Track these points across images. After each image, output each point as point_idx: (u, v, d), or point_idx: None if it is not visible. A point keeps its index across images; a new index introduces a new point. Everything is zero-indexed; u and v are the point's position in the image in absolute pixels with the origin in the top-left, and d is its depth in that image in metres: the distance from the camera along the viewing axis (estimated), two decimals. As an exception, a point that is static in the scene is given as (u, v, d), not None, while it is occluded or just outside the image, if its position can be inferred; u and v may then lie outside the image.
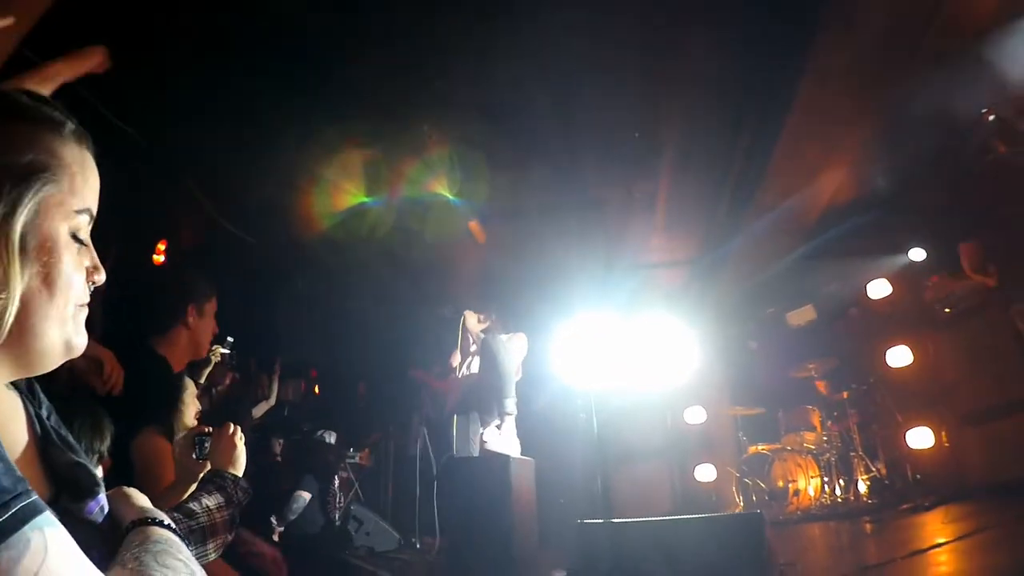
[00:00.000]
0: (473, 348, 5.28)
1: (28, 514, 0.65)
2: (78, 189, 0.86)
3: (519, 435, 4.83)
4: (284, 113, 4.48)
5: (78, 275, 0.86)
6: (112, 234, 4.50)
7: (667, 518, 3.50)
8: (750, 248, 6.47)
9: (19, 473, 0.68)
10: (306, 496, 5.78)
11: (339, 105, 4.28)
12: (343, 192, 4.75)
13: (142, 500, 0.99)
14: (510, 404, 4.57)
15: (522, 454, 4.58)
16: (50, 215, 0.81)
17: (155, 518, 0.93)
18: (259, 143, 4.81)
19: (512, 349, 4.78)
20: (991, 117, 4.99)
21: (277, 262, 6.33)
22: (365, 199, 5.54)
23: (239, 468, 1.75)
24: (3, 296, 0.75)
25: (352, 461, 6.88)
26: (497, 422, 4.67)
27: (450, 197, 5.73)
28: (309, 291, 6.70)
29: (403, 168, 5.24)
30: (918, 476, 6.04)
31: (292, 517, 5.72)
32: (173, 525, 0.94)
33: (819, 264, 6.94)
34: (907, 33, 3.86)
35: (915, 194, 6.15)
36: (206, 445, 1.85)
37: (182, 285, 2.72)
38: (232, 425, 1.83)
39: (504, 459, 4.15)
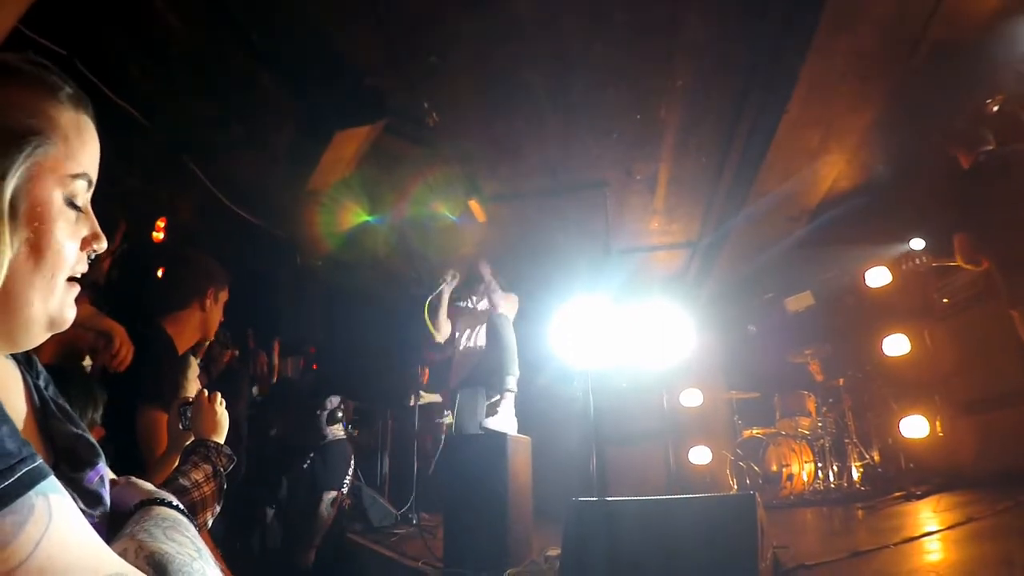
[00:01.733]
0: (482, 305, 5.11)
1: (33, 479, 0.64)
2: (74, 153, 0.83)
3: (517, 413, 4.85)
4: (282, 91, 4.47)
5: (71, 243, 0.83)
6: (118, 210, 4.53)
7: (660, 498, 3.53)
8: (749, 232, 6.47)
9: (23, 437, 0.67)
10: (332, 495, 5.56)
11: (338, 83, 4.26)
12: (341, 172, 4.74)
13: (149, 486, 1.00)
14: (511, 381, 4.58)
15: (519, 432, 4.60)
16: (42, 179, 0.79)
17: (163, 499, 0.94)
18: (258, 121, 4.80)
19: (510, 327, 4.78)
20: (994, 108, 4.97)
21: (276, 240, 6.33)
22: (364, 180, 5.53)
23: (221, 435, 1.74)
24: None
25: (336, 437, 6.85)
26: (496, 398, 4.69)
27: (450, 179, 5.73)
28: (308, 268, 6.71)
29: (403, 150, 5.23)
30: (911, 464, 6.08)
31: (325, 517, 5.44)
32: (182, 506, 0.95)
33: (818, 250, 6.94)
34: (911, 20, 3.85)
35: (916, 183, 6.14)
36: (189, 414, 1.83)
37: (206, 269, 2.73)
38: (209, 392, 1.81)
39: (502, 437, 4.17)
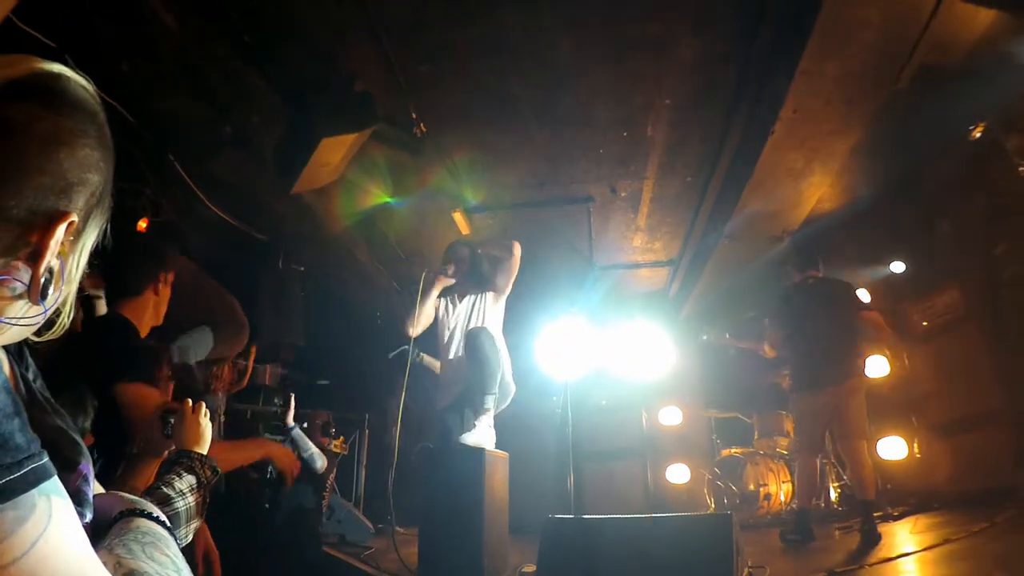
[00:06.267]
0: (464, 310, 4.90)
1: (39, 477, 0.64)
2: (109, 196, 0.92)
3: (495, 427, 4.79)
4: (271, 93, 4.44)
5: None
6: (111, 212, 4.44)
7: (637, 516, 3.51)
8: (731, 251, 6.51)
9: (32, 433, 0.67)
10: (310, 508, 5.52)
11: (327, 88, 4.24)
12: (328, 177, 4.70)
13: (132, 496, 1.00)
14: (489, 400, 4.52)
15: (497, 447, 4.56)
16: (100, 225, 0.90)
17: (146, 510, 0.93)
18: (245, 123, 4.77)
19: (501, 346, 4.70)
20: (978, 134, 5.04)
21: (258, 243, 6.27)
22: (351, 186, 5.51)
23: (204, 446, 1.69)
24: (68, 289, 0.84)
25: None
26: (474, 419, 4.62)
27: (435, 188, 5.72)
28: (289, 273, 6.65)
29: (390, 157, 5.21)
30: (888, 485, 6.11)
31: (300, 529, 5.44)
32: (163, 518, 0.94)
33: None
34: (899, 45, 3.89)
35: (898, 207, 6.21)
36: (171, 422, 1.78)
37: (160, 254, 2.71)
38: (192, 402, 1.76)
39: (479, 452, 4.14)
